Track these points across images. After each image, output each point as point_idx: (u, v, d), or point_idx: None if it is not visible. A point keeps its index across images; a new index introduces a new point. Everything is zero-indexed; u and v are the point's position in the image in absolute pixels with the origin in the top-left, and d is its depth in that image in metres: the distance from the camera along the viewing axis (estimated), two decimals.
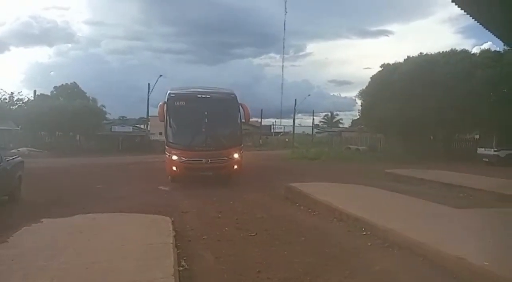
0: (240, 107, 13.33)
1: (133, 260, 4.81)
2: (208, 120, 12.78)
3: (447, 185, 11.75)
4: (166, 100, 13.06)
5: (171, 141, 12.98)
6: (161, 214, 7.87)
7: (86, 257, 4.94)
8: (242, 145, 13.70)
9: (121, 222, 7.07)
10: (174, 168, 12.79)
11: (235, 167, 13.07)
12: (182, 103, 12.99)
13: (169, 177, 13.55)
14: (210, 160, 12.54)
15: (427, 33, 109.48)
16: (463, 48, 26.16)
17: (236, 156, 13.00)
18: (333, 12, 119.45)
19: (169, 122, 12.96)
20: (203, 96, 13.21)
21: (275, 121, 66.40)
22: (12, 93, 48.42)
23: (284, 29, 63.00)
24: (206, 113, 12.78)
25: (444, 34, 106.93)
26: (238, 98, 13.49)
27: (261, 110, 53.55)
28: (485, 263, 4.55)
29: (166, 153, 13.08)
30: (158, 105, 13.45)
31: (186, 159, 12.52)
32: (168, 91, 13.49)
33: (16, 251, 5.18)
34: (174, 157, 12.64)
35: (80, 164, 21.41)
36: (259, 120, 55.29)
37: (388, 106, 24.35)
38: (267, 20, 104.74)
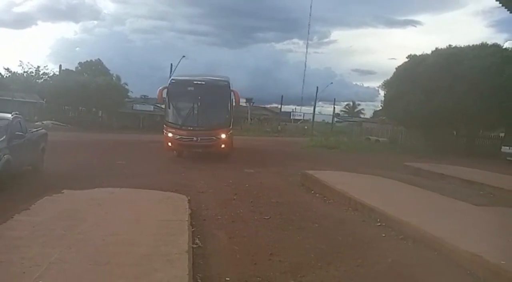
0: (232, 94, 14.81)
1: (149, 235, 4.92)
2: (200, 104, 14.50)
3: (468, 181, 11.49)
4: (168, 85, 14.91)
5: (168, 120, 14.91)
6: (178, 192, 8.01)
7: (103, 229, 5.07)
8: (231, 127, 15.15)
9: (139, 198, 7.21)
10: (169, 144, 14.74)
11: (223, 146, 14.69)
12: (180, 88, 14.75)
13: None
14: (200, 139, 14.28)
15: (457, 26, 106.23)
16: (495, 42, 25.22)
17: (223, 136, 14.57)
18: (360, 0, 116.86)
19: (168, 104, 14.90)
20: (198, 82, 14.76)
21: (295, 108, 66.04)
22: (38, 67, 49.90)
23: (310, 15, 61.99)
24: (199, 97, 14.46)
25: (475, 27, 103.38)
26: (231, 85, 15.01)
27: (281, 96, 53.22)
28: (502, 262, 4.46)
29: (164, 130, 14.84)
30: (158, 90, 15.22)
31: (179, 137, 14.39)
32: (171, 78, 15.54)
33: (37, 219, 5.36)
34: (170, 134, 14.51)
35: (102, 140, 21.83)
36: (279, 106, 55.01)
37: (412, 98, 23.82)
38: (291, 5, 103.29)
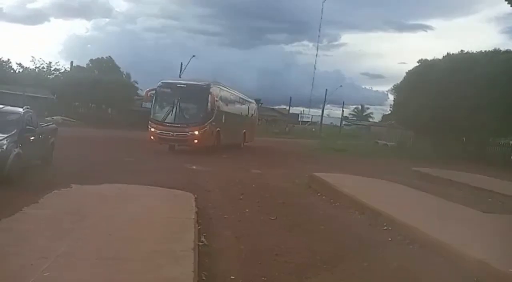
0: (209, 96, 16.38)
1: (155, 231, 4.94)
2: (180, 104, 16.39)
3: (476, 188, 11.36)
4: (156, 87, 17.18)
5: (151, 117, 17.04)
6: (185, 190, 8.01)
7: (110, 224, 5.10)
8: (205, 124, 16.49)
9: (146, 194, 7.25)
10: (151, 137, 16.80)
11: (196, 141, 16.37)
12: (165, 90, 17.02)
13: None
14: (176, 134, 16.22)
15: (470, 31, 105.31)
16: (507, 49, 24.86)
17: (196, 133, 16.23)
18: (371, 3, 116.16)
19: (154, 103, 17.24)
20: (180, 85, 17.09)
21: (303, 110, 66.06)
22: (50, 63, 50.37)
23: (321, 18, 61.66)
24: (179, 98, 16.42)
25: (488, 33, 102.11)
26: (210, 88, 16.72)
27: (290, 98, 53.31)
28: (510, 270, 4.41)
29: (148, 125, 16.87)
30: (145, 91, 17.78)
31: (159, 131, 16.45)
32: (161, 80, 17.47)
33: (45, 212, 5.43)
34: (152, 129, 16.63)
35: (110, 136, 21.96)
36: (287, 107, 55.01)
37: (422, 103, 23.63)
38: (302, 7, 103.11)
